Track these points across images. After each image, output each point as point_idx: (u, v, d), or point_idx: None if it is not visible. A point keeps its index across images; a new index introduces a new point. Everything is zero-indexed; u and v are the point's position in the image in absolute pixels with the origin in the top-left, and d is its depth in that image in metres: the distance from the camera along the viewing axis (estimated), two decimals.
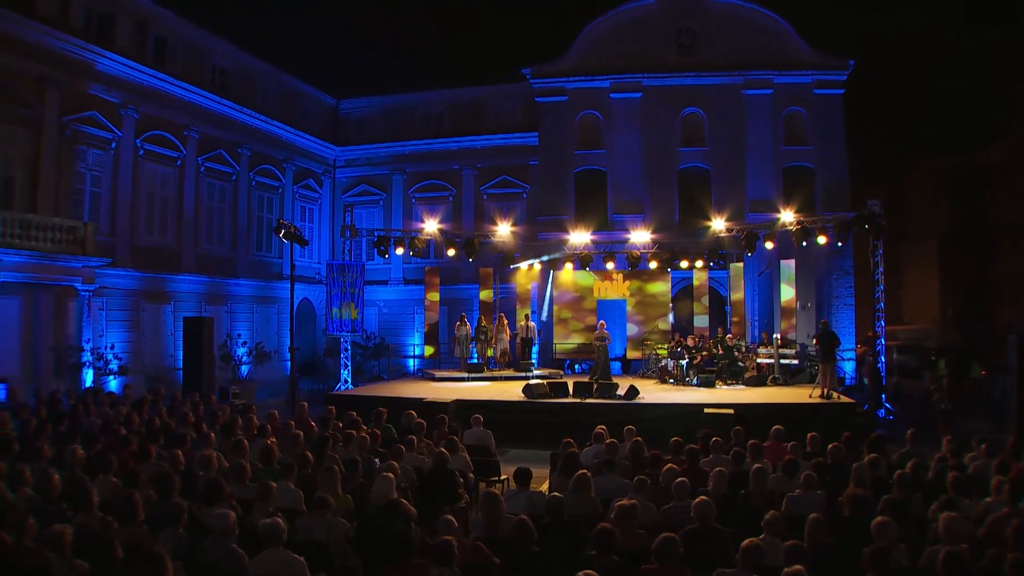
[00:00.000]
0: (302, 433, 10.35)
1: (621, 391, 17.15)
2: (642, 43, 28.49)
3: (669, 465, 8.27)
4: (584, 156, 29.45)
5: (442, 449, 9.46)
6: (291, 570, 5.64)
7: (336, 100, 35.26)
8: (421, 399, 17.12)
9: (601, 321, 21.65)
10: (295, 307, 31.35)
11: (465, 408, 16.14)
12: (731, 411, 14.97)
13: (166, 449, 9.36)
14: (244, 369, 25.00)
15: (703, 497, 6.50)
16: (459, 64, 45.42)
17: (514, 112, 32.31)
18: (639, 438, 10.24)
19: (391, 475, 7.42)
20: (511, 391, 18.34)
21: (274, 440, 10.27)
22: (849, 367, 25.37)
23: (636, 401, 16.68)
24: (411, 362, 30.80)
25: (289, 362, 30.17)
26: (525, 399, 17.28)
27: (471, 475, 10.04)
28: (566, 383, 18.03)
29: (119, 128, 22.93)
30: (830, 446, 9.66)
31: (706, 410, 15.19)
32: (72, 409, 13.04)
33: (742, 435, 10.60)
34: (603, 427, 10.77)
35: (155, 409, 13.25)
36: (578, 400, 17.06)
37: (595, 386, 17.73)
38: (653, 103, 28.55)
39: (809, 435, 10.45)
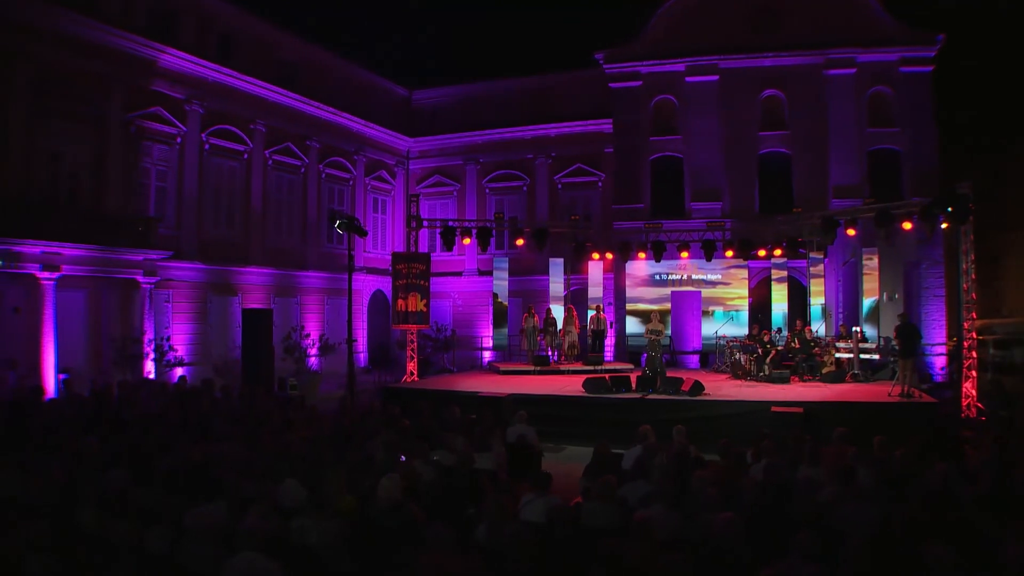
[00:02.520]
0: (328, 428, 10.02)
1: (686, 387, 16.35)
2: (718, 23, 27.25)
3: (700, 472, 7.47)
4: (659, 142, 28.44)
5: (467, 447, 8.95)
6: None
7: (409, 91, 35.18)
8: (476, 393, 16.72)
9: (654, 312, 20.74)
10: (368, 298, 31.70)
11: (520, 403, 15.61)
12: (800, 410, 14.05)
13: (191, 442, 9.19)
14: (310, 361, 25.03)
15: (727, 513, 5.78)
16: (532, 51, 44.90)
17: (588, 99, 31.42)
18: (684, 440, 9.53)
19: (396, 475, 6.95)
20: (574, 386, 17.71)
21: (306, 435, 9.98)
22: (935, 362, 23.83)
23: (700, 398, 15.83)
24: (486, 354, 30.49)
25: (359, 353, 30.38)
26: (585, 394, 16.66)
27: (504, 476, 9.47)
28: (628, 378, 17.29)
29: (184, 123, 23.21)
30: (897, 452, 8.74)
31: (773, 408, 14.29)
32: (117, 401, 13.08)
33: (801, 437, 9.77)
34: (648, 426, 10.10)
35: (197, 401, 13.20)
36: (640, 396, 16.32)
37: (658, 381, 16.96)
38: (730, 86, 27.35)
39: (876, 439, 9.45)
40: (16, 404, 12.56)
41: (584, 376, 18.52)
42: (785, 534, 6.10)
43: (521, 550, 5.51)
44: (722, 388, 17.43)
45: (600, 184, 31.30)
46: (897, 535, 6.09)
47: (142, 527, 5.97)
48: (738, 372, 19.92)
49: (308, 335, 24.85)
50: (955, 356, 19.40)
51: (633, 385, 16.93)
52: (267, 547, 5.61)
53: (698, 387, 16.05)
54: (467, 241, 22.90)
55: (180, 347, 22.29)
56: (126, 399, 13.32)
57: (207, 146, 24.13)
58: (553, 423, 15.57)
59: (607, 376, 17.59)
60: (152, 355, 19.93)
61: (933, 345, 23.79)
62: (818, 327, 21.05)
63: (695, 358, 25.60)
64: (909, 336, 15.81)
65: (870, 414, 14.15)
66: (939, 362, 23.75)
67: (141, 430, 10.09)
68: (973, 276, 16.79)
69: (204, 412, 12.28)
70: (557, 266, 25.88)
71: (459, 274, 32.84)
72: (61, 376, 17.61)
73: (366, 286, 31.50)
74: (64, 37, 19.64)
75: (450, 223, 22.65)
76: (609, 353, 26.82)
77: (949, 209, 15.49)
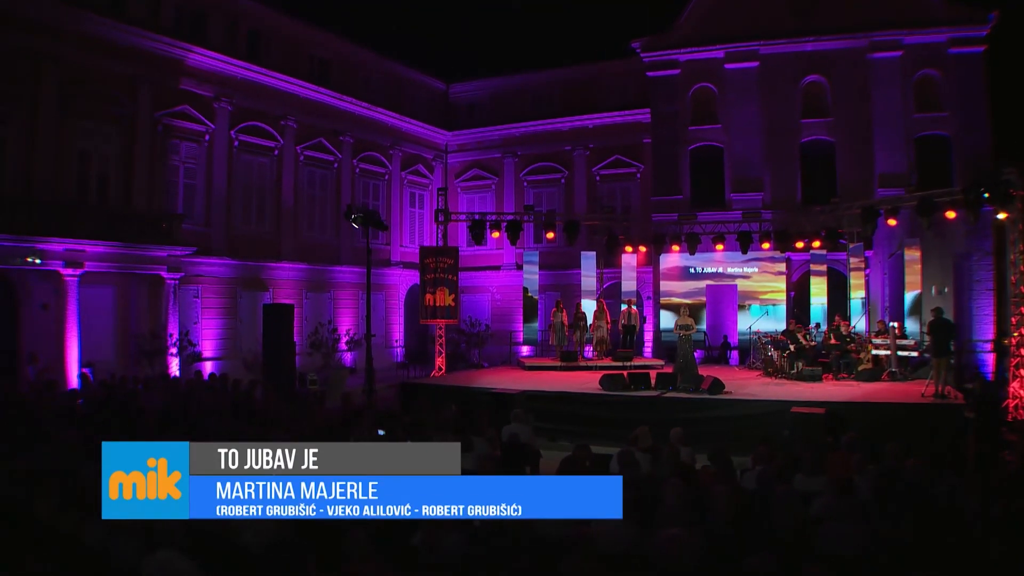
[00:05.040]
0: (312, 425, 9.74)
1: (705, 384, 15.65)
2: (757, 7, 26.26)
3: (672, 480, 6.86)
4: (699, 132, 27.64)
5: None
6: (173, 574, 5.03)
7: (446, 85, 34.87)
8: (490, 390, 16.27)
9: (684, 306, 19.98)
10: (404, 293, 31.50)
11: (534, 400, 15.18)
12: (822, 410, 13.27)
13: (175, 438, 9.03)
14: (343, 356, 24.88)
15: (674, 529, 5.21)
16: (569, 41, 44.14)
17: (626, 89, 30.87)
18: (679, 443, 8.96)
19: None
20: (594, 382, 17.11)
21: (288, 431, 9.71)
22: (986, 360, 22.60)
23: (719, 396, 15.12)
24: (523, 349, 30.09)
25: (395, 348, 30.23)
26: (601, 391, 16.08)
27: None
28: (647, 375, 16.62)
29: (212, 121, 23.35)
30: (909, 461, 8.01)
31: (793, 409, 13.52)
32: (127, 396, 13.03)
33: (813, 441, 9.13)
34: (645, 427, 9.57)
35: (206, 397, 13.09)
36: (657, 394, 15.67)
37: (678, 379, 16.28)
38: (771, 72, 26.37)
39: (889, 446, 8.70)
40: (26, 397, 12.60)
41: (611, 373, 17.92)
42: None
43: (452, 559, 5.11)
44: (747, 386, 16.64)
45: (639, 175, 30.65)
46: (881, 560, 5.46)
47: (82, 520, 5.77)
48: (769, 369, 19.13)
49: (335, 330, 24.69)
50: (1002, 354, 18.32)
51: (652, 382, 16.29)
52: (192, 545, 5.34)
53: (718, 385, 15.33)
54: (496, 235, 22.45)
55: (210, 342, 22.44)
56: (137, 394, 13.26)
57: (236, 143, 24.20)
58: (567, 421, 15.10)
59: (626, 373, 16.95)
60: (174, 350, 19.97)
61: (984, 342, 22.60)
62: (857, 322, 20.13)
63: (734, 354, 24.83)
64: (943, 333, 14.84)
65: (897, 416, 13.27)
66: (990, 359, 22.56)
67: (129, 425, 9.99)
68: (1021, 268, 15.76)
69: (205, 408, 12.12)
70: (589, 259, 25.30)
71: (497, 268, 32.46)
72: (84, 370, 17.73)
73: (403, 281, 31.31)
74: (91, 39, 19.91)
75: (479, 216, 22.26)
76: (648, 349, 26.22)
77: (986, 195, 14.48)
